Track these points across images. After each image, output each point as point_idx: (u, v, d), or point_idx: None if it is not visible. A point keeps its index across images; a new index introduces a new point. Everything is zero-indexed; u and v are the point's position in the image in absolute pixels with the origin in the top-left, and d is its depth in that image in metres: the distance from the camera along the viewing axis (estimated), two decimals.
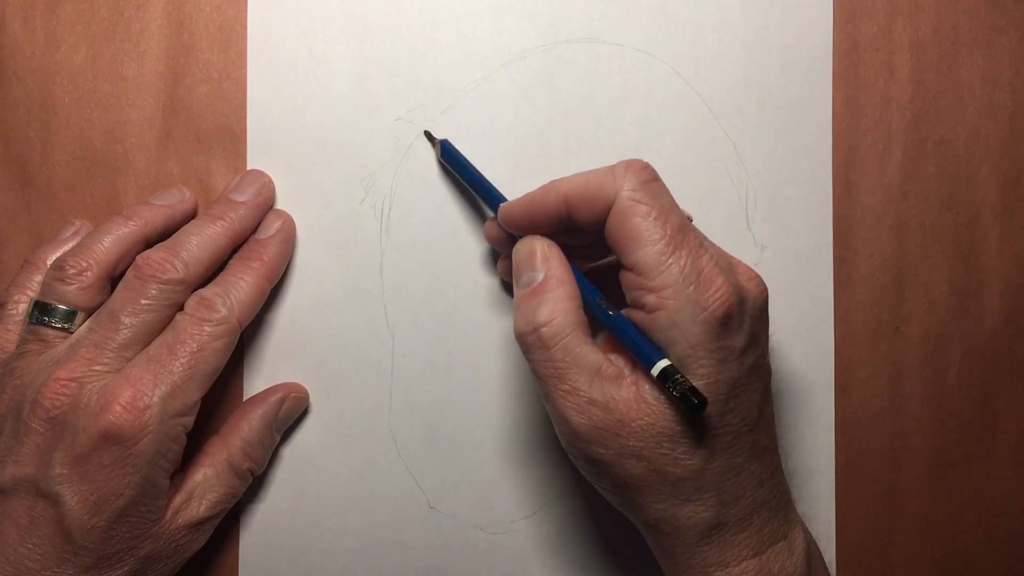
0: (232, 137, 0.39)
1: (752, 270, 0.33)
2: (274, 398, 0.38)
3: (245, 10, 0.39)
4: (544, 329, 0.31)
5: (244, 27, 0.39)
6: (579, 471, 0.34)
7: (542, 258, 0.33)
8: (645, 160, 0.32)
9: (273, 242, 0.37)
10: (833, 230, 0.40)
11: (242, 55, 0.39)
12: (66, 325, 0.34)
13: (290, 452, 0.39)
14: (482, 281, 0.39)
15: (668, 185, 0.32)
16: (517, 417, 0.39)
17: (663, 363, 0.30)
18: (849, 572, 0.40)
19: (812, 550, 0.34)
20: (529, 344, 0.32)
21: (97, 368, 0.33)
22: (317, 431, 0.39)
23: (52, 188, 0.39)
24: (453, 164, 0.38)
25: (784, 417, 0.39)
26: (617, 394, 0.31)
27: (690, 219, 0.33)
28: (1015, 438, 0.40)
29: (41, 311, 0.34)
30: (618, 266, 0.32)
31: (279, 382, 0.39)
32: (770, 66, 0.39)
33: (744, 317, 0.31)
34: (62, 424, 0.32)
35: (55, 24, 0.39)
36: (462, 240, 0.39)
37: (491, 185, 0.37)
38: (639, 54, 0.39)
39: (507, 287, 0.39)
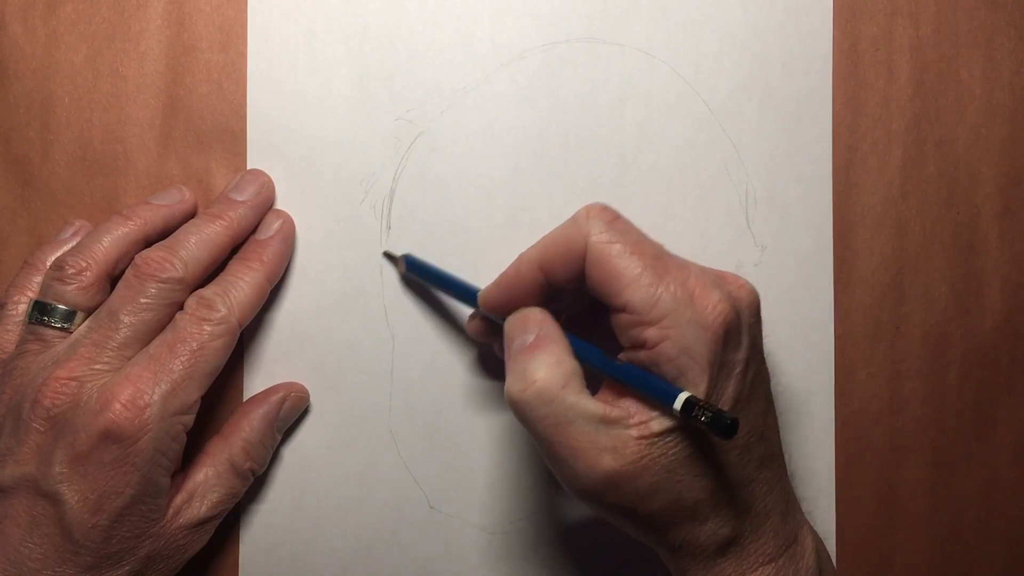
0: (232, 137, 0.39)
1: (740, 277, 0.33)
2: (275, 398, 0.38)
3: (245, 10, 0.39)
4: (540, 383, 0.30)
5: (244, 27, 0.39)
6: None
7: (533, 322, 0.33)
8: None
9: (273, 242, 0.37)
10: (833, 230, 0.40)
11: (242, 55, 0.39)
12: (65, 325, 0.34)
13: (290, 452, 0.39)
14: (482, 281, 0.39)
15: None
16: None
17: (684, 395, 0.29)
18: (849, 572, 0.40)
19: (820, 549, 0.34)
20: (525, 401, 0.31)
21: (97, 367, 0.33)
22: (317, 431, 0.39)
23: (52, 188, 0.39)
24: (422, 274, 0.38)
25: (784, 417, 0.39)
26: (626, 435, 0.30)
27: None
28: (1015, 438, 0.40)
29: (40, 311, 0.34)
30: (591, 320, 0.32)
31: (279, 382, 0.39)
32: (770, 66, 0.39)
33: (742, 327, 0.31)
34: (62, 423, 0.32)
35: (55, 24, 0.39)
36: (462, 240, 0.39)
37: (465, 282, 0.36)
38: (639, 54, 0.39)
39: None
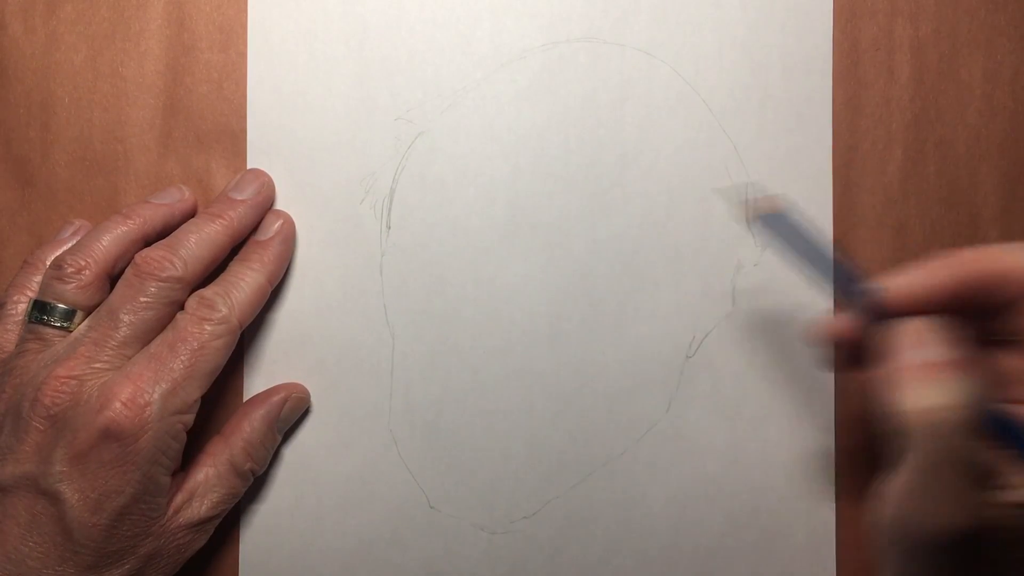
0: (232, 137, 0.39)
1: None
2: (276, 399, 0.38)
3: (245, 10, 0.39)
4: (946, 412, 0.26)
5: (244, 27, 0.39)
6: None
7: (941, 339, 0.28)
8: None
9: (273, 243, 0.37)
10: (833, 230, 0.40)
11: (242, 55, 0.39)
12: (65, 324, 0.34)
13: (290, 452, 0.39)
14: (482, 280, 0.39)
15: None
16: (518, 417, 0.39)
17: None
18: (849, 572, 0.40)
19: None
20: (917, 426, 0.27)
21: (97, 366, 0.33)
22: (317, 431, 0.39)
23: (52, 188, 0.39)
24: (785, 237, 0.32)
25: (784, 418, 0.39)
26: (993, 501, 0.27)
27: None
28: None
29: (40, 310, 0.34)
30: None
31: (279, 382, 0.39)
32: (770, 66, 0.39)
33: None
34: (62, 422, 0.32)
35: (55, 24, 0.39)
36: (462, 240, 0.39)
37: (849, 264, 0.32)
38: (639, 54, 0.39)
39: (512, 285, 0.39)
